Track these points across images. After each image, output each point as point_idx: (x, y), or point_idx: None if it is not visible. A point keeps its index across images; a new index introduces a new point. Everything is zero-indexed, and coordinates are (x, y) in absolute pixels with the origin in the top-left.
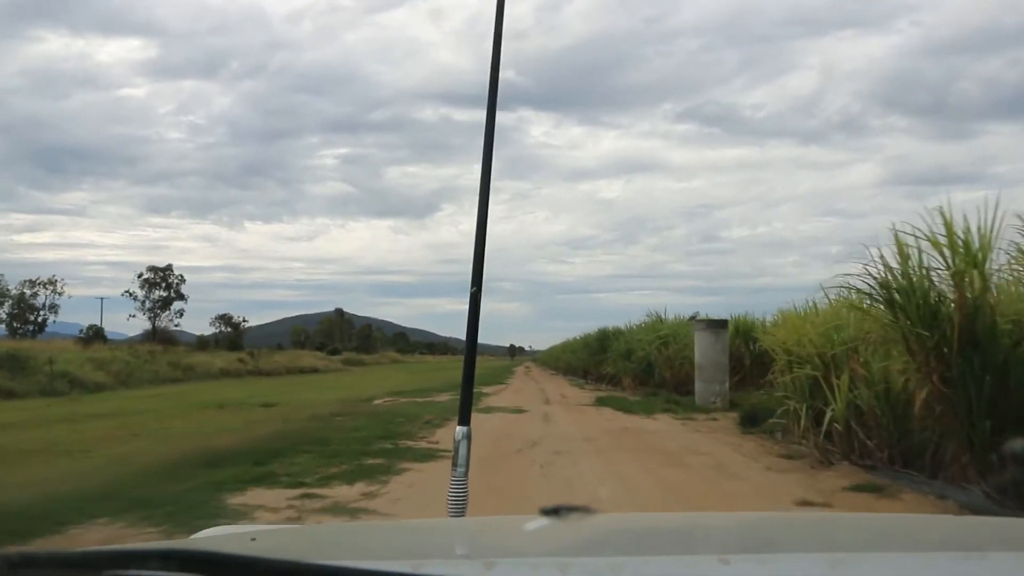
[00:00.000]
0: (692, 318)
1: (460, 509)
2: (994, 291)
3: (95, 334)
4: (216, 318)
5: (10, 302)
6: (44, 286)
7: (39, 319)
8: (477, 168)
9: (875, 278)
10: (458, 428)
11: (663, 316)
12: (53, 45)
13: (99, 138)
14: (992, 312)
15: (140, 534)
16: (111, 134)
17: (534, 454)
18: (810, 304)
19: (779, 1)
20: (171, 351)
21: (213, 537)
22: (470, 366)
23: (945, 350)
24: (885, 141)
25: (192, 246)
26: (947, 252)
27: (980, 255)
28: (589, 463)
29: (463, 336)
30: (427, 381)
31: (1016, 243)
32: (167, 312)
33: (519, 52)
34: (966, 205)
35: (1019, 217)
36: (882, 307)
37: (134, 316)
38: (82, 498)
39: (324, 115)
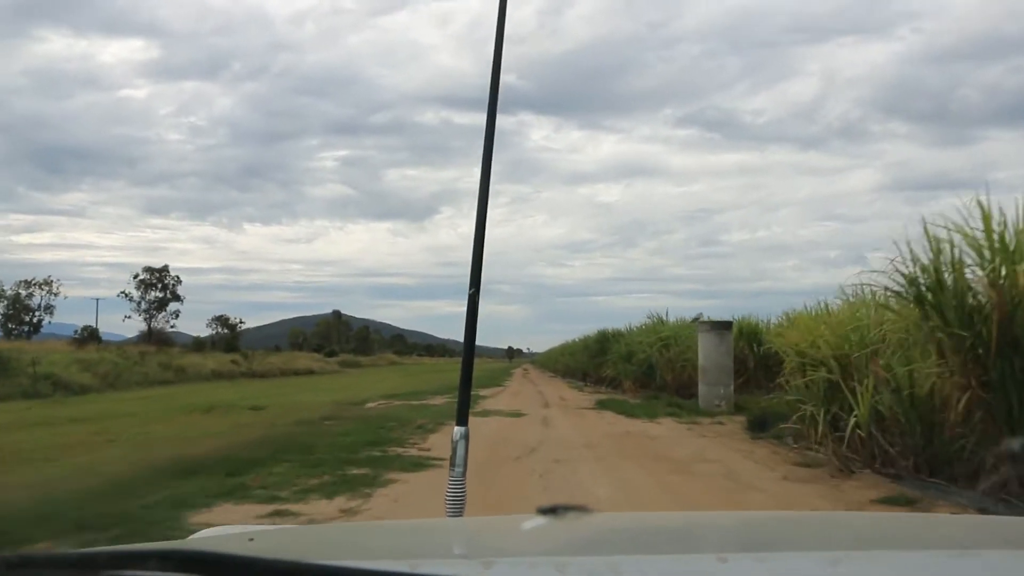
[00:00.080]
0: (695, 320)
1: (458, 509)
2: None
3: (90, 335)
4: (212, 319)
5: (5, 303)
6: (40, 287)
7: (34, 320)
8: (477, 171)
9: (903, 275)
10: (456, 428)
11: (664, 318)
12: (56, 45)
13: (100, 139)
14: None
15: None
16: (112, 135)
17: (532, 462)
18: (821, 305)
19: (781, 8)
20: (166, 352)
21: (211, 537)
22: (468, 367)
23: (980, 352)
24: (885, 147)
25: (191, 247)
26: (984, 247)
27: (1019, 251)
28: (591, 472)
29: (461, 338)
30: (423, 383)
31: None
32: (163, 313)
33: (520, 56)
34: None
35: None
36: (910, 305)
37: (129, 317)
38: (21, 516)
39: (325, 117)
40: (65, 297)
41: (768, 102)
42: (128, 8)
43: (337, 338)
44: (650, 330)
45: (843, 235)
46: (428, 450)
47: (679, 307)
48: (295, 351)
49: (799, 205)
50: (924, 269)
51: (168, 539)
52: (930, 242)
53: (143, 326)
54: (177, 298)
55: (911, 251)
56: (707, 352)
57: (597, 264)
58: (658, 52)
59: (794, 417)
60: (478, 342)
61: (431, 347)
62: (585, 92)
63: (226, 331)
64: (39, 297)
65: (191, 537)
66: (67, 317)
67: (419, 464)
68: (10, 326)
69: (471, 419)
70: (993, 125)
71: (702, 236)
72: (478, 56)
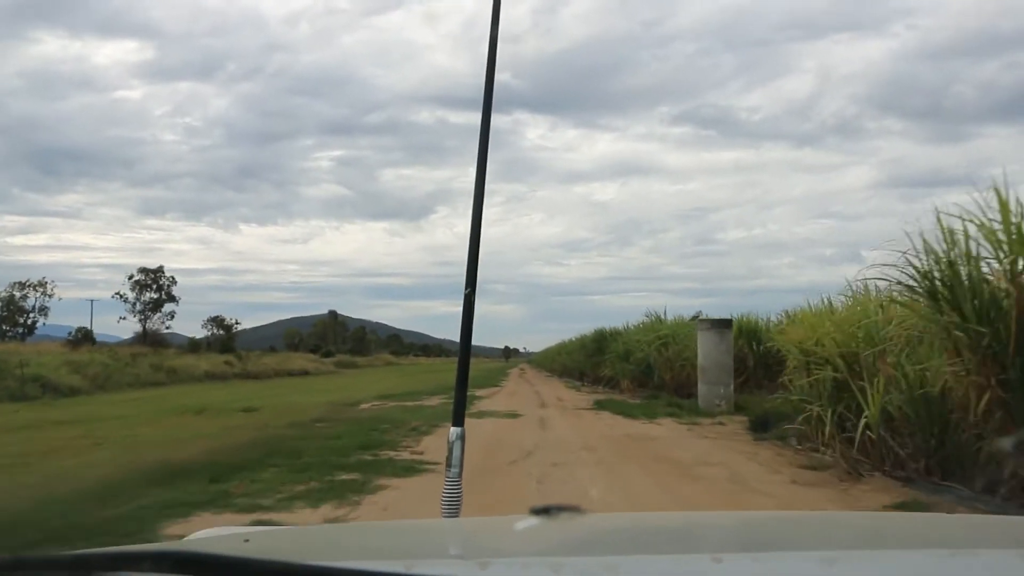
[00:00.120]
0: (694, 318)
1: (454, 510)
2: None
3: (83, 336)
4: (208, 320)
5: None
6: (34, 288)
7: (28, 321)
8: (472, 171)
9: (916, 268)
10: (452, 429)
11: (663, 316)
12: (51, 47)
13: (95, 140)
14: None
15: None
16: (107, 136)
17: (529, 466)
18: (824, 302)
19: (776, 5)
20: (161, 353)
21: (207, 538)
22: (464, 368)
23: (998, 349)
24: (880, 144)
25: (187, 248)
26: (1002, 240)
27: None
28: (591, 476)
29: (458, 338)
30: (419, 384)
31: None
32: (158, 314)
33: (515, 55)
34: (961, 207)
35: None
36: (922, 301)
37: (124, 319)
38: None
39: (320, 117)
40: (59, 299)
41: (763, 99)
42: (122, 9)
43: (333, 338)
44: (648, 329)
45: (839, 233)
46: (421, 453)
47: (675, 306)
48: (291, 352)
49: (794, 203)
50: (939, 261)
51: None
52: (943, 233)
53: (138, 327)
54: (172, 299)
55: (924, 243)
56: (707, 351)
57: (593, 263)
58: (653, 50)
59: (800, 418)
60: (474, 342)
61: (427, 347)
62: (580, 91)
63: (221, 332)
64: (33, 299)
65: (187, 538)
66: (63, 319)
67: (411, 469)
68: (4, 328)
69: (466, 421)
70: (988, 122)
71: (698, 234)
72: (473, 55)
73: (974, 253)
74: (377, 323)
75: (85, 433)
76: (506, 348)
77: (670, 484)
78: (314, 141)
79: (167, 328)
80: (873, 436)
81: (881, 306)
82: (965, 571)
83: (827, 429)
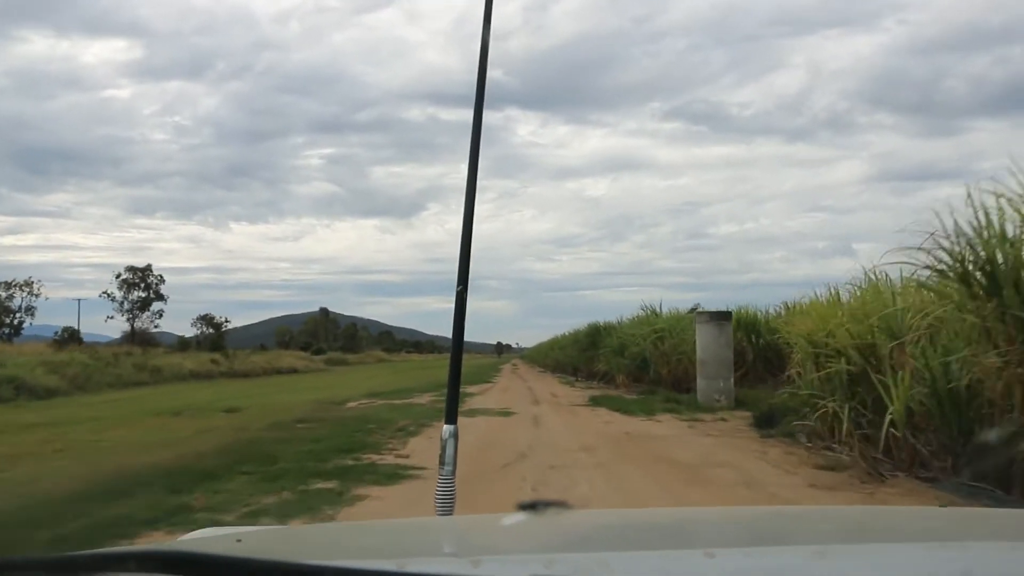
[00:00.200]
0: (692, 310)
1: (447, 508)
2: None
3: (70, 336)
4: (197, 319)
5: None
6: (20, 288)
7: (14, 322)
8: (463, 167)
9: (946, 250)
10: (445, 427)
11: (658, 309)
12: (38, 46)
13: (83, 139)
14: None
15: None
16: (95, 135)
17: (524, 470)
18: (831, 292)
19: (766, 0)
20: (147, 352)
21: (199, 539)
22: (456, 365)
23: None
24: (871, 138)
25: (177, 247)
26: None
27: None
28: (591, 481)
29: (450, 334)
30: (410, 381)
31: None
32: (147, 313)
33: (506, 52)
34: (952, 200)
35: None
36: (954, 286)
37: (112, 318)
38: None
39: (310, 115)
40: (46, 298)
41: (754, 95)
42: (110, 8)
43: (324, 336)
44: (643, 322)
45: (830, 226)
46: (407, 457)
47: (667, 300)
48: (282, 350)
49: (786, 197)
50: (979, 242)
51: None
52: (976, 212)
53: (126, 327)
54: (160, 297)
55: (955, 224)
56: (705, 344)
57: (585, 258)
58: (643, 46)
59: (815, 415)
60: (466, 338)
61: (419, 343)
62: (571, 87)
63: (211, 331)
64: (20, 299)
65: (181, 538)
66: (51, 319)
67: (394, 475)
68: None
69: (458, 419)
70: (979, 116)
71: (690, 229)
72: (464, 52)
73: (1010, 235)
74: (369, 320)
75: (50, 437)
76: (498, 344)
77: (678, 489)
78: (304, 139)
79: (156, 327)
80: (898, 434)
81: (895, 294)
82: (954, 563)
83: (844, 426)
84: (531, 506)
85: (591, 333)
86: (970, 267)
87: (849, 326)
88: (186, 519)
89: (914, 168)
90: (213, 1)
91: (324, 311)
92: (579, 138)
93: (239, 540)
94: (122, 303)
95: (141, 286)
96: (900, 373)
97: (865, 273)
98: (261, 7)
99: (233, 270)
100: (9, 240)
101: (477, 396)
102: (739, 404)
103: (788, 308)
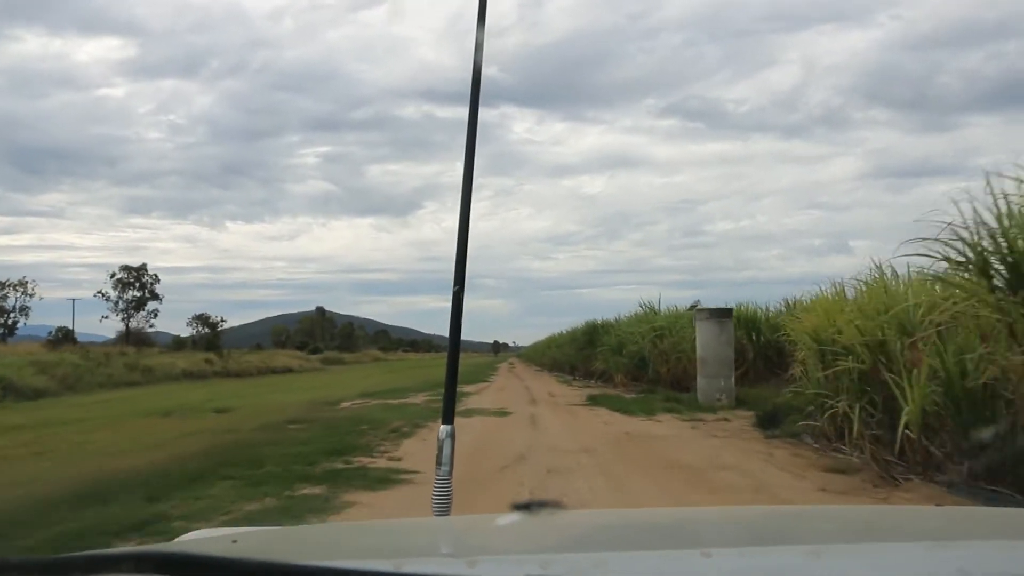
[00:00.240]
0: (692, 308)
1: (444, 508)
2: None
3: (64, 336)
4: (193, 318)
5: None
6: (14, 288)
7: (8, 322)
8: (459, 165)
9: (965, 241)
10: (442, 427)
11: (656, 307)
12: (30, 45)
13: (78, 138)
14: None
15: None
16: (90, 134)
17: (521, 474)
18: (835, 288)
19: None
20: (143, 352)
21: (195, 539)
22: (453, 365)
23: None
24: (867, 134)
25: (172, 247)
26: None
27: None
28: (592, 488)
29: (446, 333)
30: (405, 380)
31: None
32: (141, 313)
33: (501, 49)
34: (949, 196)
35: None
36: (973, 279)
37: (107, 317)
38: None
39: (305, 113)
40: (40, 298)
41: (749, 91)
42: (104, 6)
43: (321, 335)
44: (642, 320)
45: (826, 223)
46: (399, 460)
47: (665, 298)
48: (278, 349)
49: (782, 194)
50: (1002, 232)
51: None
52: (995, 199)
53: (121, 326)
54: (155, 297)
55: (975, 213)
56: (706, 342)
57: (582, 256)
58: (638, 43)
59: (823, 415)
60: (463, 337)
61: (416, 342)
62: (567, 84)
63: (207, 330)
64: (14, 299)
65: (177, 539)
66: (46, 319)
67: (385, 480)
68: None
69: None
70: (975, 111)
71: (686, 226)
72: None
73: None
74: (365, 319)
75: (32, 440)
76: (495, 342)
77: (683, 494)
78: (300, 137)
79: (151, 327)
80: (913, 436)
81: (908, 288)
82: (951, 562)
83: (854, 427)
84: (526, 506)
85: (589, 331)
86: (991, 259)
87: (859, 322)
88: (160, 529)
89: (909, 164)
90: None
91: (320, 310)
92: (575, 135)
93: (235, 541)
94: (117, 303)
95: (136, 286)
96: (914, 371)
97: (873, 268)
98: (254, 5)
99: (229, 269)
100: (4, 240)
101: (473, 396)
102: (740, 403)
103: (789, 305)
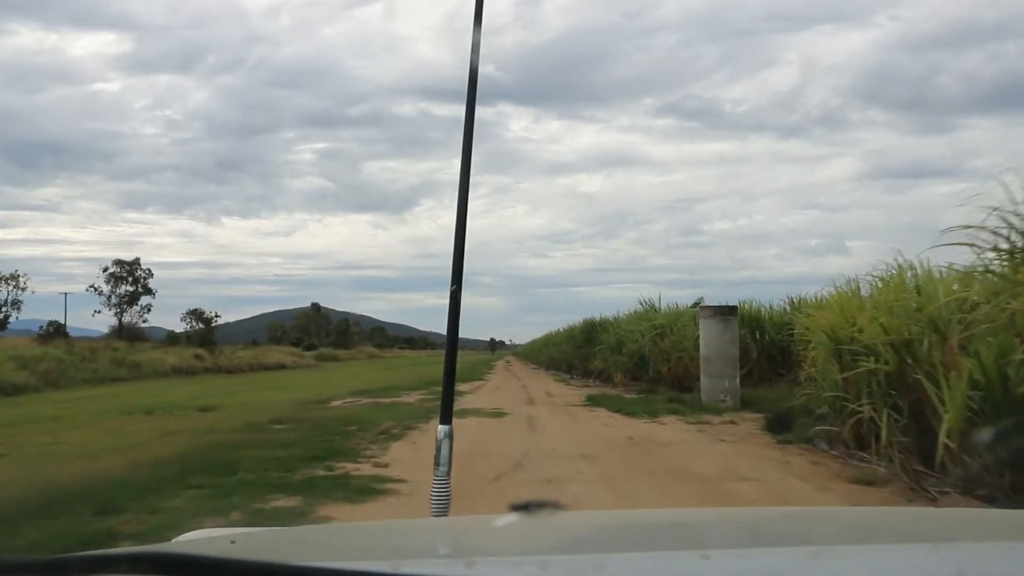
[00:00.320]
0: (695, 305)
1: (443, 509)
2: None
3: (55, 331)
4: (187, 314)
5: None
6: (6, 282)
7: (0, 316)
8: (456, 162)
9: (1015, 226)
10: (440, 427)
11: (657, 304)
12: (26, 39)
13: (73, 133)
14: None
15: None
16: (86, 129)
17: (517, 484)
18: (850, 284)
19: None
20: (135, 347)
21: (193, 540)
22: (451, 364)
23: None
24: (864, 135)
25: (168, 242)
26: None
27: None
28: (598, 501)
29: (442, 330)
30: (400, 378)
31: None
32: (135, 307)
33: (498, 47)
34: (948, 199)
35: None
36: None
37: (99, 312)
38: None
39: (302, 110)
40: (33, 292)
41: (747, 91)
42: (99, 1)
43: (316, 331)
44: (642, 318)
45: (824, 224)
46: (386, 466)
47: (662, 297)
48: (273, 345)
49: (780, 194)
50: None
51: None
52: None
53: (114, 321)
54: (148, 292)
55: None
56: (709, 340)
57: (578, 255)
58: (636, 42)
59: (847, 421)
60: (460, 335)
61: (412, 340)
62: (564, 82)
63: (201, 326)
64: (5, 292)
65: (174, 540)
66: (40, 313)
67: (368, 490)
68: None
69: None
70: (973, 113)
71: (683, 226)
72: (456, 46)
73: None
74: (361, 316)
75: None
76: (492, 340)
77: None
78: (296, 134)
79: (144, 322)
80: (954, 446)
81: (946, 282)
82: (950, 563)
83: (883, 434)
84: (525, 507)
85: (587, 329)
86: None
87: (884, 320)
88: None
89: (907, 165)
90: None
91: (316, 306)
92: (572, 133)
93: (233, 541)
94: (109, 297)
95: (129, 280)
96: (952, 374)
97: (899, 262)
98: (251, 1)
99: (225, 265)
100: None
101: (469, 395)
102: (745, 405)
103: (794, 303)
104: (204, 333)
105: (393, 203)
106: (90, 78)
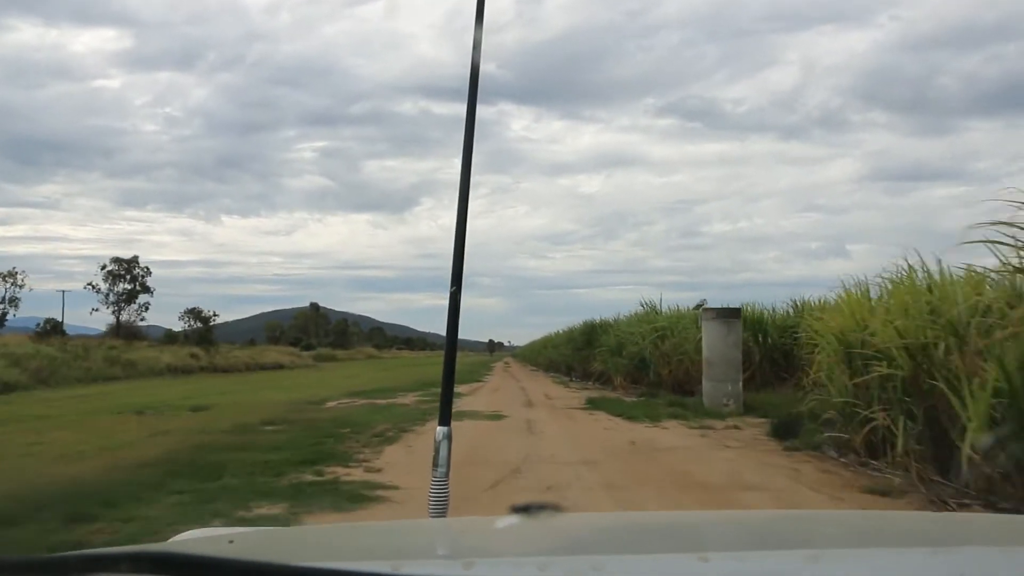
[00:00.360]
0: (698, 307)
1: (441, 509)
2: None
3: (52, 328)
4: (185, 312)
5: None
6: (3, 279)
7: None
8: (456, 162)
9: None
10: (439, 429)
11: (658, 306)
12: (26, 35)
13: (74, 129)
14: None
15: None
16: (85, 126)
17: (515, 491)
18: (859, 286)
19: None
20: (134, 345)
21: (191, 540)
22: (450, 366)
23: None
24: (865, 136)
25: (168, 240)
26: None
27: None
28: (598, 509)
29: (441, 331)
30: (397, 379)
31: None
32: (132, 305)
33: (500, 45)
34: (947, 201)
35: None
36: None
37: (97, 310)
38: None
39: (302, 108)
40: (31, 290)
41: (748, 91)
42: None
43: (315, 331)
44: (643, 320)
45: (824, 226)
46: (378, 471)
47: (662, 299)
48: (272, 345)
49: (780, 196)
50: None
51: None
52: None
53: (112, 319)
54: (147, 290)
55: None
56: (712, 343)
57: (578, 256)
58: (637, 41)
59: (860, 428)
60: (459, 336)
61: (411, 340)
62: (565, 81)
63: (199, 324)
64: (3, 290)
65: (172, 539)
66: (38, 311)
67: (358, 497)
68: None
69: None
70: (974, 115)
71: (683, 227)
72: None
73: None
74: (360, 316)
75: None
76: (491, 341)
77: None
78: (296, 132)
79: (143, 320)
80: (977, 457)
81: (969, 284)
82: (948, 567)
83: (899, 442)
84: (524, 508)
85: (587, 331)
86: None
87: (899, 323)
88: None
89: (908, 167)
90: None
91: (314, 306)
92: (572, 133)
93: (231, 541)
94: (107, 295)
95: (127, 278)
96: (974, 381)
97: (917, 263)
98: None
99: (224, 264)
100: None
101: (466, 397)
102: (748, 409)
103: (797, 306)
104: (202, 332)
105: (393, 202)
106: (90, 74)
